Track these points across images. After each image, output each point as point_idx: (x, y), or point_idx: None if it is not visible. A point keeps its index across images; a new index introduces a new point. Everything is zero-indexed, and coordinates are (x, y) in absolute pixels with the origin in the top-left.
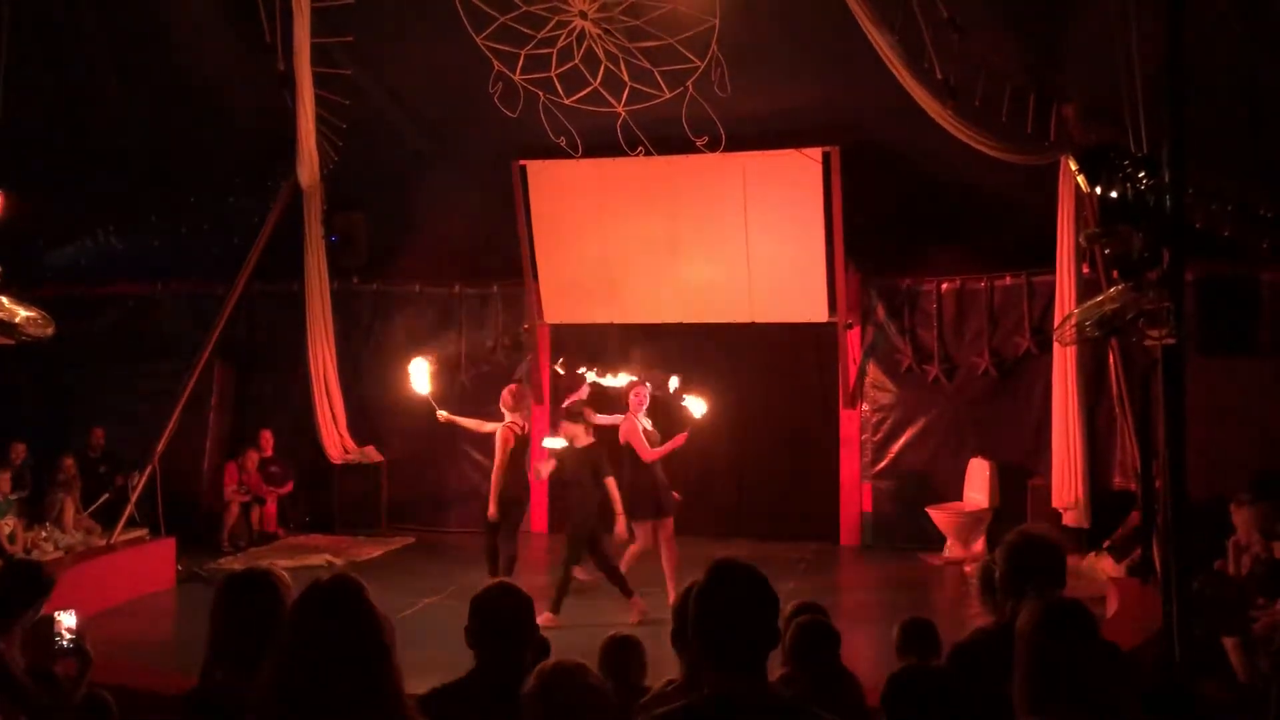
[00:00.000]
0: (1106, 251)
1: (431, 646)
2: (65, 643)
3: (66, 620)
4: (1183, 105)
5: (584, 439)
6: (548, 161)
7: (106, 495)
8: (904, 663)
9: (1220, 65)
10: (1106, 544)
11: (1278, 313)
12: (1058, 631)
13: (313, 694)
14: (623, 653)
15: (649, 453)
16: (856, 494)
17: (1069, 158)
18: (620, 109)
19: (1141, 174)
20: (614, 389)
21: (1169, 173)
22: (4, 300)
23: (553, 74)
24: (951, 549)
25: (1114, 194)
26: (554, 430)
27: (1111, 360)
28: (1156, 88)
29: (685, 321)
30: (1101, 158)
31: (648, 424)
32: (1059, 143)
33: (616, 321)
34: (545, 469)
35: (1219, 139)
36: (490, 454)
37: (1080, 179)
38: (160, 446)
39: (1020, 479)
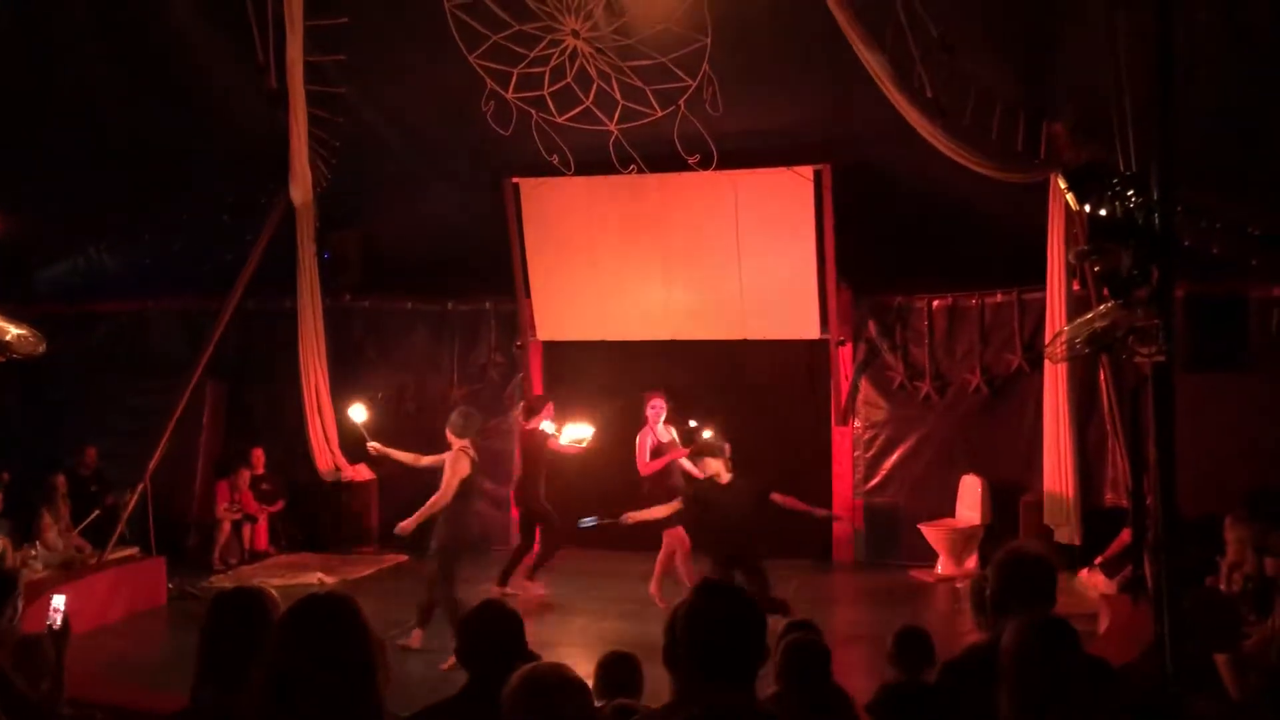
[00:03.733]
0: (1096, 269)
1: (423, 665)
2: (58, 622)
3: (56, 600)
4: (1171, 123)
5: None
6: (540, 179)
7: (97, 513)
8: (897, 672)
9: (1209, 83)
10: (1098, 561)
11: (1266, 329)
12: (1039, 649)
13: (291, 704)
14: (619, 669)
15: (645, 465)
16: (849, 510)
17: (1058, 176)
18: (612, 127)
19: (1131, 192)
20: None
21: (1158, 190)
22: None
23: (545, 92)
24: (943, 566)
25: (1103, 212)
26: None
27: (1102, 377)
28: (1145, 106)
29: (677, 339)
30: (1091, 176)
31: (666, 435)
32: (1048, 161)
33: (609, 338)
34: None
35: (1208, 157)
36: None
37: (1070, 197)
38: (152, 464)
39: (1012, 496)
